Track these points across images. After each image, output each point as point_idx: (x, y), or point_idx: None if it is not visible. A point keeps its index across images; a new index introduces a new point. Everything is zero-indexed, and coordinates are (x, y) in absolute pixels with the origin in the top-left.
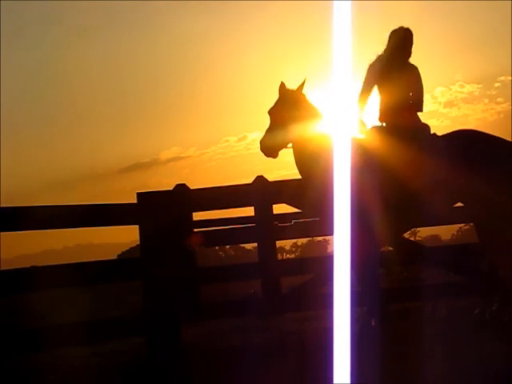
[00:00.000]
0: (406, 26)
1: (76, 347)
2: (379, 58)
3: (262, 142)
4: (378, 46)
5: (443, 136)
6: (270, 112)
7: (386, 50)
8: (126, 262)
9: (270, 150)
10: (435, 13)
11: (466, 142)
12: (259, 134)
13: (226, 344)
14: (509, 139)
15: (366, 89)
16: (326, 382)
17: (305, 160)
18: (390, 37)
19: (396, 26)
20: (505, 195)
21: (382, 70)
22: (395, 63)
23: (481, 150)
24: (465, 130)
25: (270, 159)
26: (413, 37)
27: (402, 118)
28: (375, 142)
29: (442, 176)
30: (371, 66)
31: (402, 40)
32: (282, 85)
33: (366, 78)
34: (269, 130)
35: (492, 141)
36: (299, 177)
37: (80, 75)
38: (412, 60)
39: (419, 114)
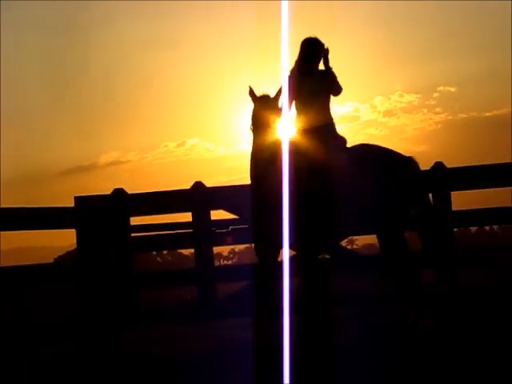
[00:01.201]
0: (345, 36)
1: (12, 351)
2: (293, 68)
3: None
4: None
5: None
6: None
7: (296, 60)
8: (61, 266)
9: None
10: (375, 22)
11: (358, 154)
12: (198, 140)
13: (160, 350)
14: (446, 149)
15: (289, 98)
16: None
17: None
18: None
19: (333, 34)
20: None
21: (294, 80)
22: (303, 72)
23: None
24: (362, 144)
25: (211, 165)
26: (317, 45)
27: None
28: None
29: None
30: (290, 77)
31: (305, 49)
32: (251, 90)
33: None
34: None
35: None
36: (237, 183)
37: (18, 74)
38: (350, 69)
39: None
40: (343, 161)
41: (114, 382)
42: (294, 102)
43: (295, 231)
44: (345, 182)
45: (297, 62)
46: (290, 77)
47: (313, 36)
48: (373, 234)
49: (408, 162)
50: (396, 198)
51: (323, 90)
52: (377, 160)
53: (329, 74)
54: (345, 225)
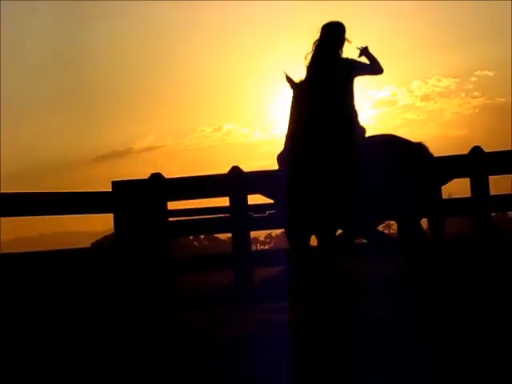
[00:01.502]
0: (384, 20)
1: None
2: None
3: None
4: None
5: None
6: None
7: (315, 44)
8: (100, 250)
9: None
10: (414, 6)
11: (377, 143)
12: (234, 125)
13: (199, 336)
14: (484, 133)
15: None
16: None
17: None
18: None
19: (372, 18)
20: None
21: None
22: (323, 58)
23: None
24: (379, 134)
25: (246, 150)
26: (340, 28)
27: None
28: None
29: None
30: (298, 89)
31: (327, 33)
32: (288, 77)
33: (294, 102)
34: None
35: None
36: (272, 168)
37: (56, 62)
38: (388, 53)
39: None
40: (362, 150)
41: (154, 367)
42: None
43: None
44: (363, 171)
45: (316, 46)
46: (310, 64)
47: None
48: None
49: (424, 150)
50: (415, 186)
51: (345, 79)
52: (395, 148)
53: (352, 61)
54: (365, 212)
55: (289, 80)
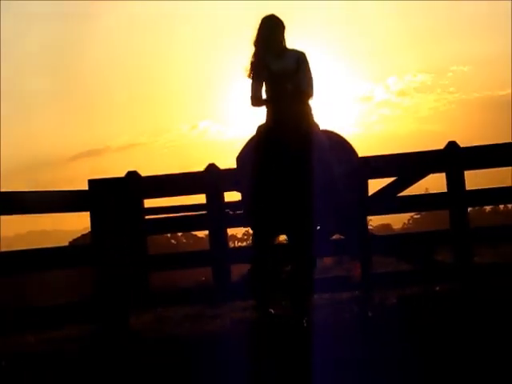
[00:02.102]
0: (361, 18)
1: (25, 334)
2: (254, 55)
3: None
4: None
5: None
6: None
7: (255, 42)
8: (77, 249)
9: None
10: (391, 5)
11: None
12: (210, 123)
13: (175, 331)
14: (460, 128)
15: (256, 90)
16: (274, 369)
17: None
18: (258, 28)
19: (347, 15)
20: None
21: (262, 68)
22: (268, 52)
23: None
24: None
25: (222, 147)
26: (278, 20)
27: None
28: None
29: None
30: (251, 69)
31: (266, 25)
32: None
33: (252, 82)
34: None
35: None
36: None
37: (30, 60)
38: (363, 49)
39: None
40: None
41: (126, 364)
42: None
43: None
44: (308, 168)
45: (257, 40)
46: (252, 65)
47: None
48: None
49: (353, 152)
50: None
51: (293, 70)
52: (331, 146)
53: (301, 55)
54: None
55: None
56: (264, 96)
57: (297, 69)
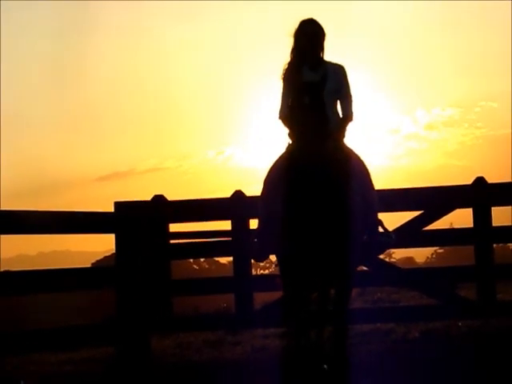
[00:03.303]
0: (389, 49)
1: (48, 353)
2: (288, 64)
3: None
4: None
5: None
6: None
7: (292, 52)
8: (100, 271)
9: None
10: (418, 35)
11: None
12: (236, 149)
13: (196, 357)
14: (487, 164)
15: (286, 105)
16: None
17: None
18: (294, 35)
19: (376, 46)
20: None
21: (294, 79)
22: (302, 63)
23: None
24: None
25: (248, 174)
26: (317, 26)
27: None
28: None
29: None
30: (284, 79)
31: (308, 37)
32: None
33: (283, 93)
34: None
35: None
36: None
37: (57, 81)
38: (393, 82)
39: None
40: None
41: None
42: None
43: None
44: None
45: (293, 51)
46: (286, 72)
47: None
48: None
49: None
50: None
51: (331, 91)
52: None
53: (341, 69)
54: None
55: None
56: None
57: (335, 89)
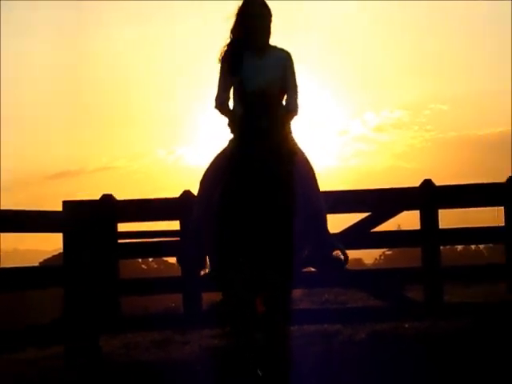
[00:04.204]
0: (337, 52)
1: None
2: (228, 46)
3: None
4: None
5: None
6: None
7: (232, 31)
8: (48, 270)
9: None
10: (367, 37)
11: None
12: (187, 150)
13: (144, 357)
14: (436, 166)
15: (223, 91)
16: None
17: None
18: (237, 15)
19: (325, 48)
20: None
21: (234, 64)
22: (245, 48)
23: None
24: None
25: (198, 174)
26: (266, 9)
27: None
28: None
29: None
30: (223, 62)
31: (254, 18)
32: None
33: (221, 78)
34: None
35: None
36: None
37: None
38: (342, 84)
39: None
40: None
41: None
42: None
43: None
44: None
45: (234, 31)
46: (224, 55)
47: None
48: None
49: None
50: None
51: (276, 80)
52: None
53: (287, 57)
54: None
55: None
56: (231, 103)
57: (279, 81)
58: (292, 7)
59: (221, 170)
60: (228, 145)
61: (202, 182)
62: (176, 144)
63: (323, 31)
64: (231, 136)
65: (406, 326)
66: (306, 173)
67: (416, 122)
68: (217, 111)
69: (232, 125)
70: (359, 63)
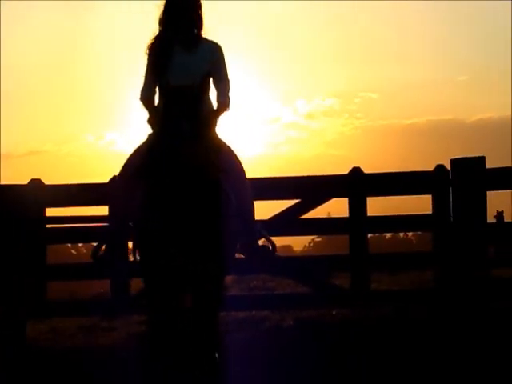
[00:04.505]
0: (266, 34)
1: None
2: (155, 38)
3: None
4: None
5: None
6: None
7: (160, 23)
8: None
9: None
10: (296, 24)
11: None
12: (117, 135)
13: (70, 343)
14: (365, 153)
15: (149, 85)
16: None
17: None
18: (165, 5)
19: (254, 35)
20: None
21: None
22: (176, 44)
23: None
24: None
25: None
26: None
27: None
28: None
29: None
30: (149, 54)
31: (183, 9)
32: None
33: (147, 71)
34: None
35: None
36: None
37: None
38: (273, 72)
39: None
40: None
41: (23, 373)
42: (157, 88)
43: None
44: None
45: (162, 22)
46: (151, 48)
47: None
48: None
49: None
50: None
51: (204, 75)
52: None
53: (218, 49)
54: None
55: None
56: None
57: (209, 72)
58: None
59: (140, 168)
60: (147, 140)
61: (120, 180)
62: (105, 129)
63: (253, 19)
64: (151, 131)
65: (333, 313)
66: (232, 164)
67: (347, 109)
68: (141, 104)
69: (152, 121)
70: (290, 52)
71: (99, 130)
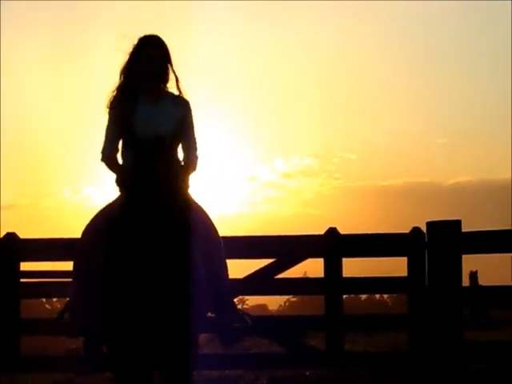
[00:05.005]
0: (245, 97)
1: None
2: (118, 90)
3: None
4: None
5: None
6: None
7: (123, 73)
8: None
9: None
10: (276, 82)
11: None
12: (94, 190)
13: None
14: (341, 214)
15: (110, 142)
16: None
17: None
18: (132, 54)
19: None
20: None
21: (125, 112)
22: (136, 91)
23: None
24: None
25: None
26: (165, 51)
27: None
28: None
29: None
30: (111, 108)
31: (151, 61)
32: None
33: (109, 128)
34: None
35: None
36: None
37: None
38: (254, 130)
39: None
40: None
41: None
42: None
43: None
44: None
45: (125, 72)
46: (113, 101)
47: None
48: None
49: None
50: None
51: (172, 124)
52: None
53: (185, 105)
54: None
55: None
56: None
57: (176, 129)
58: (194, 46)
59: (106, 224)
60: (115, 200)
61: (83, 237)
62: (82, 184)
63: (234, 77)
64: (118, 193)
65: (307, 373)
66: (203, 223)
67: (325, 169)
68: (103, 165)
69: (121, 180)
70: (272, 111)
71: (76, 185)
